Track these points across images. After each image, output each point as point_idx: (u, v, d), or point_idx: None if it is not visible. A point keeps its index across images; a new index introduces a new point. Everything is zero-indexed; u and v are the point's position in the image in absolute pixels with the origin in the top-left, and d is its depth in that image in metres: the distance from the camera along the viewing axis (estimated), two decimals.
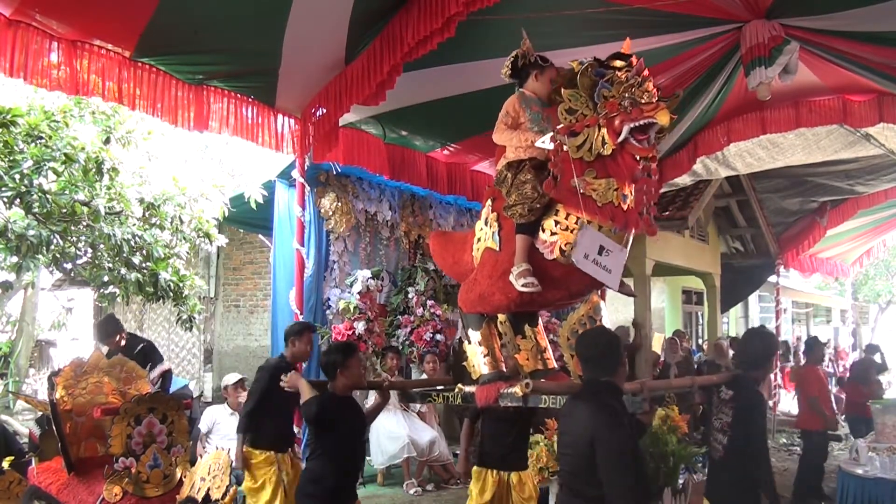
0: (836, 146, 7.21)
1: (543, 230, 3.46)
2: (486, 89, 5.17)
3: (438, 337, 6.76)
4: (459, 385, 3.98)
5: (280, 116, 4.71)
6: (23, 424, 7.08)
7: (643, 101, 3.16)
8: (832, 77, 5.81)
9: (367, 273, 6.51)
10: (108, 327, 5.76)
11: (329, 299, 6.38)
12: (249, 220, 7.20)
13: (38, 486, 3.35)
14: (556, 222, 3.42)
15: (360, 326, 6.19)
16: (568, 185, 3.31)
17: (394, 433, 6.46)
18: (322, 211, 6.37)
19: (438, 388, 4.23)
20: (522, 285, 3.37)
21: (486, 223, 3.79)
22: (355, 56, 4.36)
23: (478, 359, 3.85)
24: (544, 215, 3.46)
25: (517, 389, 3.53)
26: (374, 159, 5.57)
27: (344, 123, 5.06)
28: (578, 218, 3.34)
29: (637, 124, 3.14)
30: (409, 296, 6.81)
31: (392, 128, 5.65)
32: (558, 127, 3.35)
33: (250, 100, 4.50)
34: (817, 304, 22.37)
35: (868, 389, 7.63)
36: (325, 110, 4.64)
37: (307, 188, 5.08)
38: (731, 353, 10.03)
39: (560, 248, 3.37)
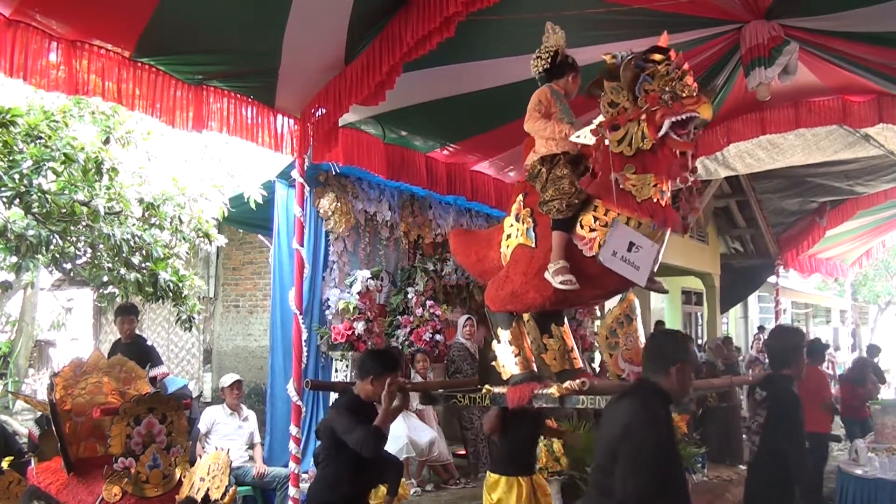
0: (836, 147, 7.22)
1: (582, 226, 3.40)
2: (486, 89, 5.17)
3: (438, 337, 6.77)
4: (487, 386, 3.89)
5: (280, 116, 4.70)
6: (22, 424, 7.07)
7: (684, 95, 3.11)
8: (832, 77, 5.81)
9: (367, 273, 6.51)
10: (129, 307, 5.96)
11: (328, 299, 6.38)
12: (249, 220, 7.20)
13: (38, 486, 3.35)
14: (595, 218, 3.36)
15: (359, 326, 6.19)
16: (607, 180, 3.26)
17: (393, 433, 6.43)
18: (321, 211, 6.38)
19: (464, 389, 4.12)
20: (560, 283, 3.31)
21: (517, 219, 3.72)
22: (355, 56, 4.36)
23: (508, 359, 3.76)
24: (582, 211, 3.41)
25: (554, 390, 3.47)
26: (373, 159, 5.57)
27: (343, 123, 5.06)
28: (618, 214, 3.29)
29: (678, 118, 3.09)
30: (409, 296, 6.81)
31: (392, 128, 5.65)
32: (599, 119, 3.30)
33: (250, 100, 4.50)
34: (817, 305, 22.39)
35: (864, 390, 7.62)
36: (324, 110, 4.64)
37: (307, 188, 5.08)
38: (726, 352, 10.04)
39: (599, 244, 3.32)
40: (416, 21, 3.98)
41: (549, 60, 3.76)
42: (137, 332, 6.52)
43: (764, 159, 7.53)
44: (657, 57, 3.23)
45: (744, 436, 9.67)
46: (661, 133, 3.13)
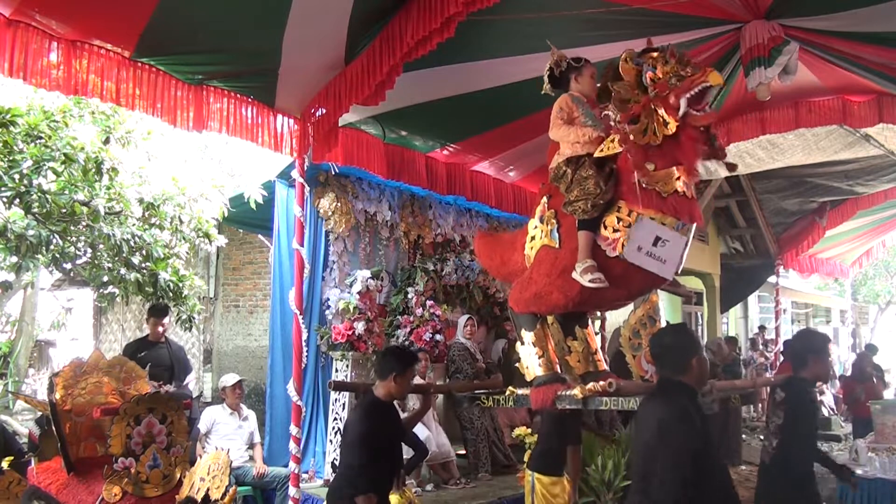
0: (836, 147, 7.21)
1: (605, 227, 3.42)
2: (486, 89, 5.17)
3: (438, 337, 6.76)
4: (511, 388, 3.91)
5: (280, 116, 4.70)
6: (22, 424, 7.07)
7: (689, 74, 3.14)
8: (832, 77, 5.81)
9: (367, 273, 6.51)
10: (162, 308, 5.84)
11: (328, 299, 6.38)
12: (249, 220, 7.19)
13: (38, 486, 3.35)
14: (619, 219, 3.38)
15: (359, 326, 6.18)
16: (630, 181, 3.29)
17: None
18: (321, 211, 6.37)
19: (487, 391, 4.14)
20: (590, 281, 3.32)
21: (541, 220, 3.74)
22: (355, 56, 4.36)
23: (531, 360, 3.77)
24: (606, 211, 3.43)
25: (577, 392, 3.48)
26: (373, 159, 5.57)
27: (344, 123, 5.06)
28: (641, 214, 3.31)
29: (692, 93, 3.11)
30: (409, 296, 6.81)
31: (392, 128, 5.65)
32: (619, 117, 3.34)
33: (250, 100, 4.50)
34: (817, 305, 22.36)
35: (863, 386, 7.61)
36: (324, 110, 4.64)
37: (307, 188, 5.08)
38: (726, 352, 10.03)
39: (623, 244, 3.34)
40: (416, 21, 3.98)
41: (549, 80, 3.82)
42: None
43: (764, 159, 7.53)
44: (652, 54, 3.28)
45: (744, 435, 9.70)
46: (681, 112, 3.13)
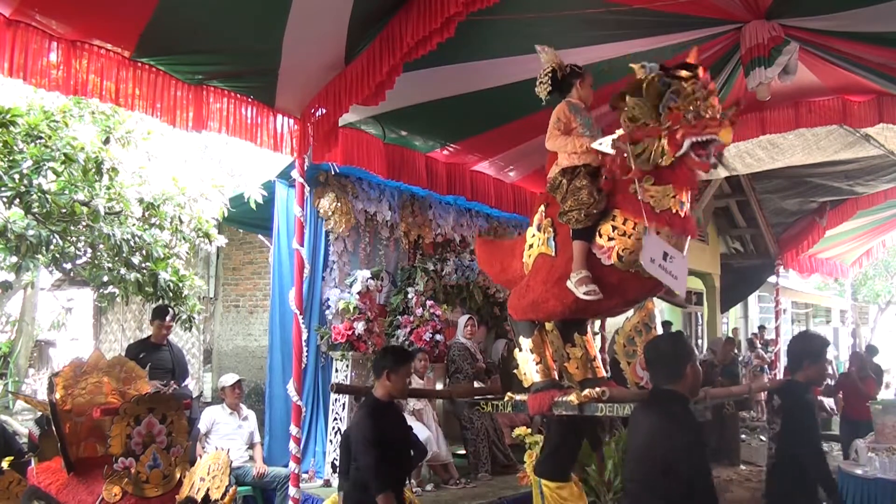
0: (836, 147, 7.21)
1: (601, 235, 3.44)
2: (486, 89, 5.17)
3: (438, 337, 6.76)
4: (509, 393, 3.95)
5: (279, 116, 4.70)
6: (22, 424, 7.07)
7: (707, 116, 3.13)
8: (832, 77, 5.80)
9: (367, 273, 6.51)
10: (166, 310, 5.85)
11: (328, 299, 6.38)
12: (249, 220, 7.20)
13: (38, 486, 3.34)
14: (614, 227, 3.40)
15: (359, 326, 6.18)
16: (626, 191, 3.31)
17: None
18: (321, 211, 6.37)
19: (487, 396, 4.18)
20: (584, 293, 3.35)
21: (539, 229, 3.77)
22: (355, 56, 4.36)
23: (529, 367, 3.81)
24: (601, 220, 3.45)
25: (573, 398, 3.51)
26: (373, 159, 5.57)
27: (343, 123, 5.06)
28: (636, 223, 3.32)
29: (699, 139, 3.11)
30: (409, 296, 6.81)
31: (392, 128, 5.65)
32: (618, 133, 3.32)
33: (250, 100, 4.50)
34: (817, 305, 22.37)
35: (865, 386, 7.59)
36: (324, 110, 4.63)
37: (307, 188, 5.08)
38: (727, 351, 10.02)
39: (617, 253, 3.36)
40: (416, 21, 3.98)
41: (550, 82, 3.80)
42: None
43: (764, 159, 7.53)
44: (684, 74, 3.23)
45: (743, 436, 9.70)
46: (681, 152, 3.14)
